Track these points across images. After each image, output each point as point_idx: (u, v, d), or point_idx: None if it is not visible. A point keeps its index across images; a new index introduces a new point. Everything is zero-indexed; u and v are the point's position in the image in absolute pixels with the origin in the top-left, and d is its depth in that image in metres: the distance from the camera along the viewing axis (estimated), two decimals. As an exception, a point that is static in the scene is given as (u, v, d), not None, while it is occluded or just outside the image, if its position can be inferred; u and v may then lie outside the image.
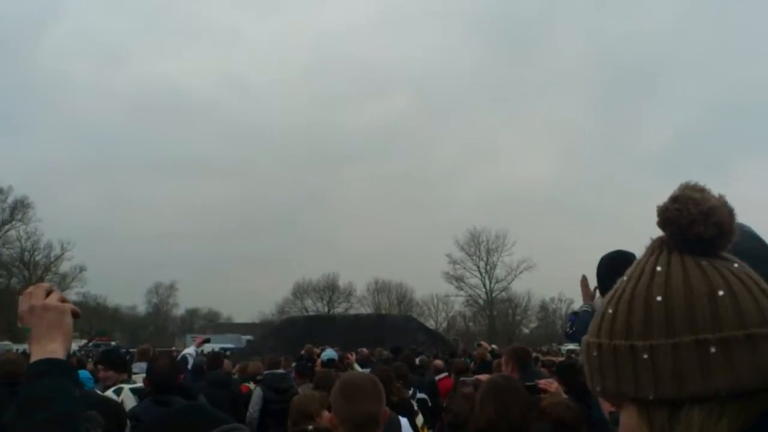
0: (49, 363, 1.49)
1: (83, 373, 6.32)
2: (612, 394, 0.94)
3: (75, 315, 1.61)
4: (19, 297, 1.61)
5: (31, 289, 1.62)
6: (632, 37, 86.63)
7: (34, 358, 1.51)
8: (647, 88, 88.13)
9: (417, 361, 12.49)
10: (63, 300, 1.61)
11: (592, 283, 4.02)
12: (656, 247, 0.96)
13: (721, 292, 0.87)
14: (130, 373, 6.41)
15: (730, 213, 0.92)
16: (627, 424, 0.94)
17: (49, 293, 1.60)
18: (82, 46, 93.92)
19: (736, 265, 0.91)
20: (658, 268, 0.92)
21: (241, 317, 78.92)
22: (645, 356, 0.88)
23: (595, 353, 0.96)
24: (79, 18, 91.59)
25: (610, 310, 0.95)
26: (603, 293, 4.40)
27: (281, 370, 8.82)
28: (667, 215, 0.93)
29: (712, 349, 0.84)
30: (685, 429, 0.86)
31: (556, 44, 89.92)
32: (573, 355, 15.69)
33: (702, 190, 0.92)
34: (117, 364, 5.99)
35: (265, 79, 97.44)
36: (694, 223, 0.90)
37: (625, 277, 0.97)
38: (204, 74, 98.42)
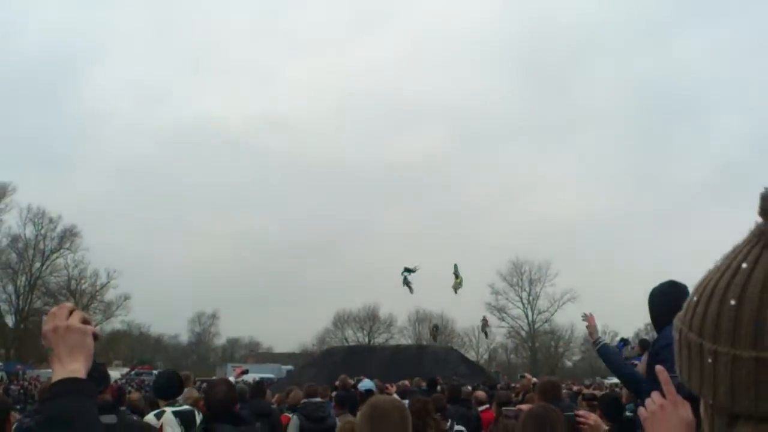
0: (71, 383, 1.52)
1: None
2: (686, 383, 0.89)
3: (95, 337, 1.64)
4: (43, 317, 1.65)
5: (54, 309, 1.65)
6: (668, 67, 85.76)
7: (55, 378, 1.54)
8: (687, 118, 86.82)
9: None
10: (85, 320, 1.64)
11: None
12: (754, 238, 0.83)
13: None
14: None
15: None
16: (701, 412, 0.90)
17: (71, 313, 1.63)
18: (124, 84, 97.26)
19: None
20: (744, 266, 0.81)
21: (281, 347, 79.36)
22: (709, 360, 0.82)
23: (677, 336, 0.91)
24: (121, 58, 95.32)
25: (695, 299, 0.87)
26: (656, 326, 4.24)
27: (318, 399, 8.75)
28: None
29: None
30: None
31: (593, 75, 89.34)
32: (617, 389, 15.26)
33: None
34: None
35: (302, 114, 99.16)
36: None
37: (715, 265, 0.87)
38: (241, 110, 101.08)
